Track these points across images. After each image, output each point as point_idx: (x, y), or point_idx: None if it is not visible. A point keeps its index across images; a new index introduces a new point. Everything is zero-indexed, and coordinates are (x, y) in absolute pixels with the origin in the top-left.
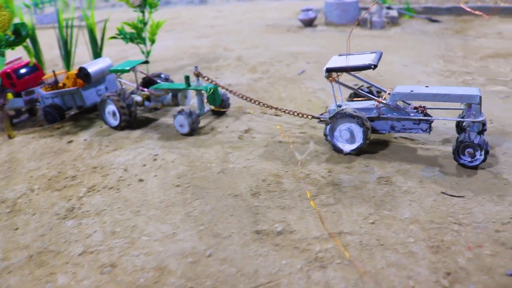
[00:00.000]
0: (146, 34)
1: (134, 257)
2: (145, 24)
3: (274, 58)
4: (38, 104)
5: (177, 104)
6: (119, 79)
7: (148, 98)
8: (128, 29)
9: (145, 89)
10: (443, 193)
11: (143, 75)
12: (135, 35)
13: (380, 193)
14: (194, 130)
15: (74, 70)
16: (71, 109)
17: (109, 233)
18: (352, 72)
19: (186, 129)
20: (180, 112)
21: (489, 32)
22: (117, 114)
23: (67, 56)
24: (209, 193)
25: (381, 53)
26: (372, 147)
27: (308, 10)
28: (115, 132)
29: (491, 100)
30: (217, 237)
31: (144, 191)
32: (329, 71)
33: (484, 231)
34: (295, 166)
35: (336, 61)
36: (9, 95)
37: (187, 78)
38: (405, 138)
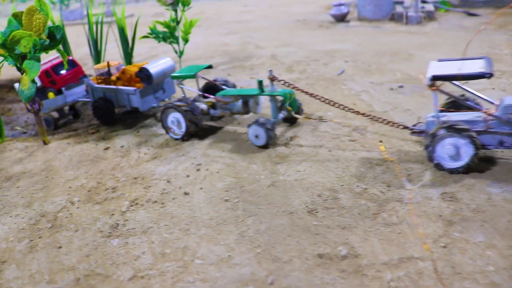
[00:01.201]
0: (179, 33)
1: (190, 284)
2: (178, 22)
3: (310, 56)
4: (85, 99)
5: (247, 112)
6: (181, 86)
7: (213, 106)
8: (161, 28)
9: (211, 96)
10: None
11: (205, 81)
12: (167, 34)
13: (447, 212)
14: (270, 142)
15: (131, 66)
16: (122, 108)
17: (159, 255)
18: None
19: (262, 141)
20: (255, 122)
21: None
22: (182, 124)
23: (97, 54)
24: (261, 210)
25: (490, 59)
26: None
27: (340, 5)
28: (152, 138)
29: None
30: (277, 261)
31: (191, 206)
32: (436, 79)
33: None
34: (350, 180)
35: (439, 68)
36: (51, 95)
37: (260, 83)
38: None
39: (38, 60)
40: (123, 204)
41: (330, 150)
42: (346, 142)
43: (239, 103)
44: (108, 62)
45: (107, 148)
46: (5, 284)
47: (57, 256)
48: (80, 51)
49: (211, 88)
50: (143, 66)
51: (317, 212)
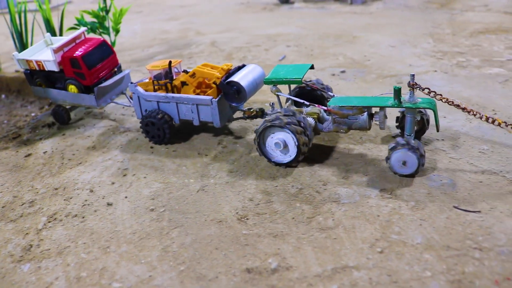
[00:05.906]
0: (109, 23)
1: None
2: (107, 12)
3: (251, 42)
4: (116, 101)
5: (369, 128)
6: (279, 93)
7: (318, 118)
8: (89, 18)
9: (322, 107)
10: (455, 207)
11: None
12: (96, 24)
13: (385, 211)
14: (421, 168)
15: (203, 66)
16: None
17: (73, 280)
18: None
19: (411, 170)
20: (405, 146)
21: (475, 4)
22: (291, 146)
23: (23, 48)
24: (189, 219)
25: None
26: (370, 150)
27: None
28: (79, 141)
29: (490, 85)
30: (202, 279)
31: (113, 218)
32: None
33: (509, 258)
34: (285, 179)
35: None
36: (72, 88)
37: (398, 91)
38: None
39: None
40: (40, 221)
41: None
42: None
43: (364, 116)
44: (170, 62)
45: (28, 155)
46: None
47: None
48: (9, 43)
49: (303, 94)
50: (230, 78)
51: (247, 219)
